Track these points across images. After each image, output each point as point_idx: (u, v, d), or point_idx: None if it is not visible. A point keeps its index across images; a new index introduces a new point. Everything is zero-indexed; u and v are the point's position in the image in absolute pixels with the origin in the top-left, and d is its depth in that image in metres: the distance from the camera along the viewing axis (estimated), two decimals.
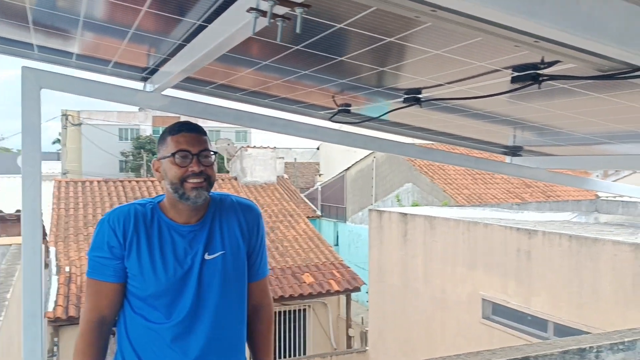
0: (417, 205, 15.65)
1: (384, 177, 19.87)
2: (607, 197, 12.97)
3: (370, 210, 11.62)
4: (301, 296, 11.22)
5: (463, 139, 3.26)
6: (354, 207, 21.40)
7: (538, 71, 1.60)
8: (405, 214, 10.28)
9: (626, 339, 3.36)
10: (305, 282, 11.43)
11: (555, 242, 7.68)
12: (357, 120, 2.78)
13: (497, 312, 8.53)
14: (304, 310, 12.15)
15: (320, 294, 11.47)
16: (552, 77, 1.59)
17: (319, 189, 24.17)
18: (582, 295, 7.27)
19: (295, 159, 32.17)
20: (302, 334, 12.21)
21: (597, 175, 16.67)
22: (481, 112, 2.51)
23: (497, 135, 3.09)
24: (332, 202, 23.39)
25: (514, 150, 3.29)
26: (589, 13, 0.82)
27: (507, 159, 3.32)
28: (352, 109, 2.68)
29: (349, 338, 12.18)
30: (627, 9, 0.87)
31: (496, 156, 3.41)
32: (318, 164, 28.99)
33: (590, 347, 3.28)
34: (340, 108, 2.69)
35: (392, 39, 1.55)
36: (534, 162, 3.20)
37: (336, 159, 24.43)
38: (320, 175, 25.94)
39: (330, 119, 2.85)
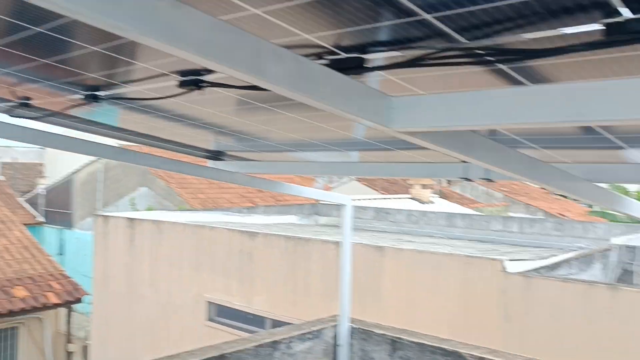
0: (152, 210, 15.25)
1: (118, 181, 18.95)
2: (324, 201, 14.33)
3: (95, 215, 10.94)
4: (11, 313, 9.99)
5: (166, 142, 3.25)
6: (84, 212, 19.94)
7: (200, 77, 1.66)
8: (133, 219, 9.94)
9: (313, 329, 3.73)
10: (16, 297, 10.20)
11: (274, 243, 8.21)
12: (40, 115, 2.56)
13: (222, 313, 8.76)
14: (15, 328, 10.83)
15: (35, 309, 10.36)
16: (213, 85, 1.67)
17: (43, 192, 21.92)
18: (297, 292, 7.90)
19: (16, 158, 28.62)
20: (12, 355, 10.86)
21: (318, 183, 18.38)
22: (174, 116, 2.53)
23: (199, 139, 3.16)
24: (59, 207, 21.41)
25: (216, 155, 3.40)
26: (169, 22, 0.86)
27: (210, 163, 3.42)
28: (35, 102, 2.47)
29: (68, 354, 11.25)
30: (208, 21, 0.94)
31: (200, 160, 3.49)
32: (42, 165, 26.29)
33: (282, 339, 3.55)
34: (21, 101, 2.45)
35: (41, 29, 1.45)
36: (234, 167, 3.35)
37: (64, 161, 22.44)
38: (44, 177, 23.54)
39: (10, 114, 2.57)
